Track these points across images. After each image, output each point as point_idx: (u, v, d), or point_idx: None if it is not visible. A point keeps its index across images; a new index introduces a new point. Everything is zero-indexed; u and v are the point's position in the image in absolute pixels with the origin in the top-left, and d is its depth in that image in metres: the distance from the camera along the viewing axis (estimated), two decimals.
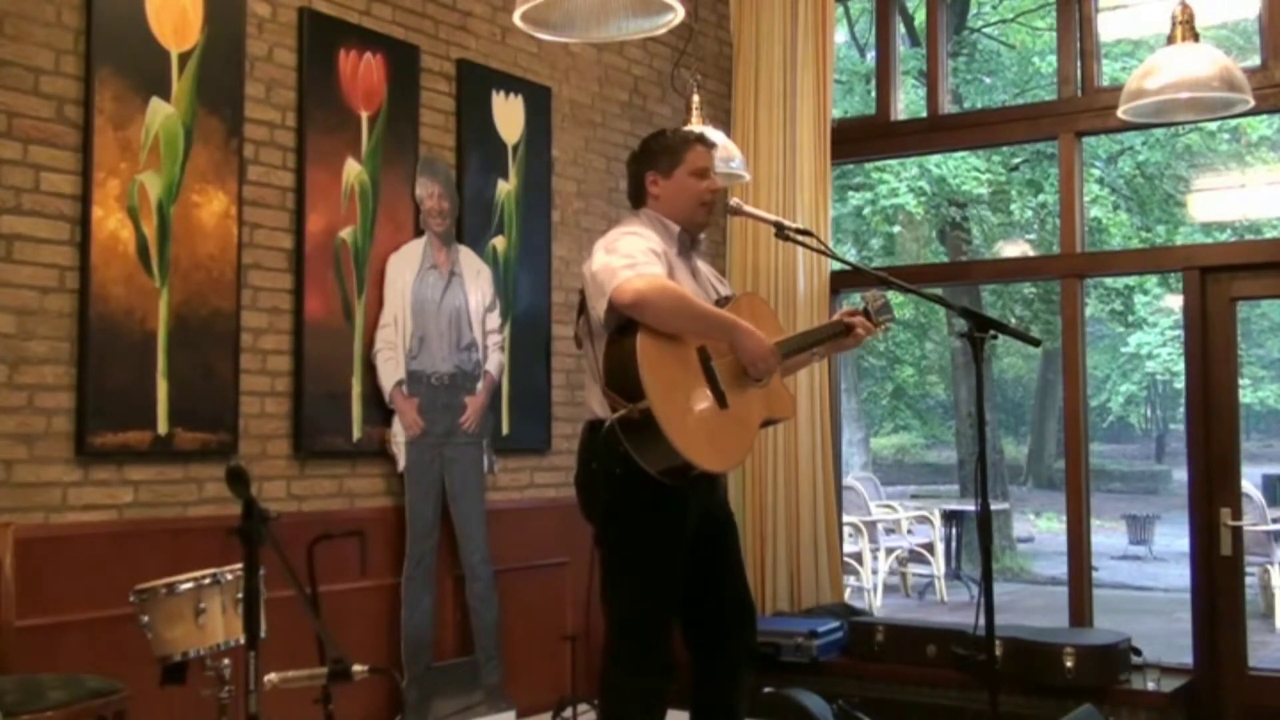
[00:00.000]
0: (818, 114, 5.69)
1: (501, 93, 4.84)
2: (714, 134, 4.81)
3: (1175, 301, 14.38)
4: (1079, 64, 5.43)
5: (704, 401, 3.05)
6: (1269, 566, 8.95)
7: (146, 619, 3.04)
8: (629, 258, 3.04)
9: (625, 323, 3.01)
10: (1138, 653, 4.90)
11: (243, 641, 2.39)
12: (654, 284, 2.98)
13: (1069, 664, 4.62)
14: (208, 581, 3.07)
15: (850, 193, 13.26)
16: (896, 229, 14.34)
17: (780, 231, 3.35)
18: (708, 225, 3.38)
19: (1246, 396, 15.75)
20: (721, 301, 3.29)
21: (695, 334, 3.07)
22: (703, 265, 3.45)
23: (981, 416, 3.28)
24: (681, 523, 3.13)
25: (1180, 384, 11.06)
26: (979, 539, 3.12)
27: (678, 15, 3.05)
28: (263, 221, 4.00)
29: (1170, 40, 3.94)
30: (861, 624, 5.31)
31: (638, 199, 3.36)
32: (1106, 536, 14.01)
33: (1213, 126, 12.65)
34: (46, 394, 3.43)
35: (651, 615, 3.13)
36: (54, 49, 3.48)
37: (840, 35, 12.95)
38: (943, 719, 4.84)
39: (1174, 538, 12.99)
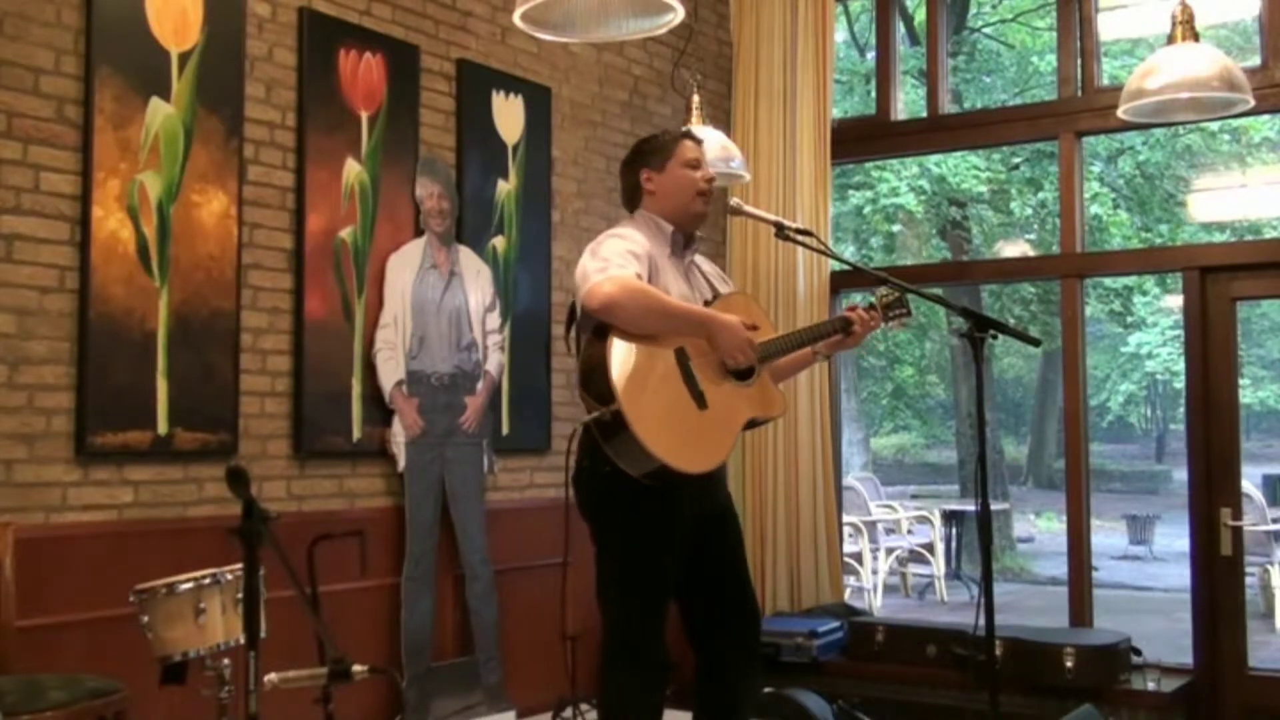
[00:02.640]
0: (818, 114, 5.69)
1: (501, 93, 4.84)
2: (714, 134, 4.83)
3: (1175, 301, 14.38)
4: (1079, 64, 5.43)
5: (680, 402, 3.04)
6: (1269, 566, 8.95)
7: (146, 619, 3.04)
8: (603, 261, 3.05)
9: (600, 325, 3.03)
10: (1138, 653, 4.90)
11: (243, 641, 2.39)
12: (622, 286, 2.98)
13: (1069, 664, 4.62)
14: (208, 581, 3.07)
15: (850, 191, 13.26)
16: (896, 228, 14.34)
17: (780, 231, 3.34)
18: (706, 216, 3.36)
19: (1246, 396, 15.75)
20: (711, 300, 3.29)
21: (670, 332, 3.07)
22: (704, 264, 3.45)
23: (981, 416, 3.28)
24: (671, 522, 3.12)
25: (1180, 384, 11.06)
26: (979, 539, 3.12)
27: (678, 15, 3.05)
28: (263, 221, 4.00)
29: (1170, 40, 3.94)
30: (861, 624, 5.31)
31: (632, 201, 3.35)
32: (1106, 536, 14.00)
33: (1213, 127, 12.65)
34: (46, 394, 3.44)
35: (643, 614, 3.13)
36: (54, 49, 3.48)
37: (840, 35, 12.94)
38: (943, 719, 4.84)
39: (1174, 538, 12.99)
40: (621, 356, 2.97)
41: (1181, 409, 8.65)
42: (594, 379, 2.99)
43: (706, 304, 3.24)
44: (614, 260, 3.05)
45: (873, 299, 3.47)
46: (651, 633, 3.12)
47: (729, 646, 3.27)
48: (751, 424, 3.26)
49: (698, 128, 4.65)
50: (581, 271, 3.08)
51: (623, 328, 2.99)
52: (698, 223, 3.34)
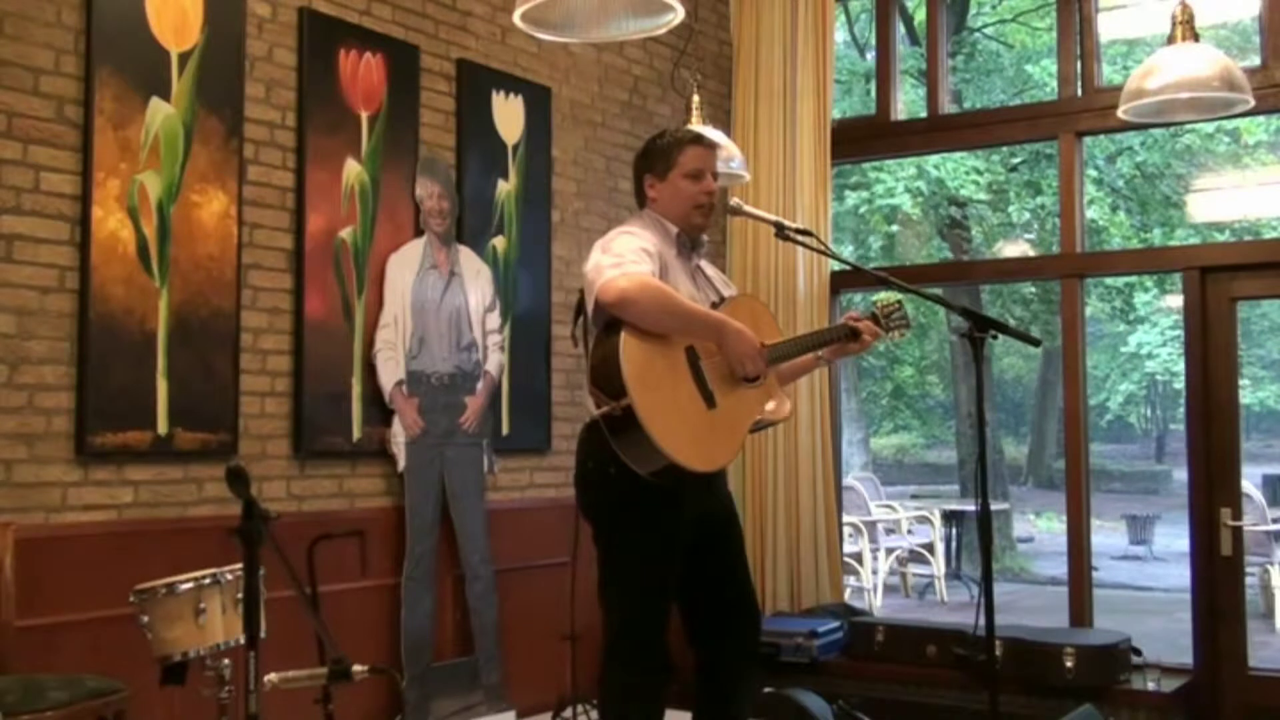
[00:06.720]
0: (818, 114, 5.69)
1: (501, 93, 4.84)
2: (714, 134, 4.83)
3: (1175, 301, 14.38)
4: (1079, 64, 5.43)
5: (690, 401, 3.04)
6: (1269, 566, 8.96)
7: (146, 619, 3.04)
8: (618, 257, 3.04)
9: (611, 321, 3.01)
10: (1138, 653, 4.90)
11: (243, 641, 2.39)
12: (637, 282, 2.97)
13: (1069, 664, 4.62)
14: (208, 581, 3.08)
15: (847, 192, 13.26)
16: (895, 228, 14.33)
17: (780, 231, 3.34)
18: (705, 228, 3.36)
19: (1246, 396, 15.76)
20: (719, 303, 3.28)
21: (680, 333, 3.06)
22: (707, 267, 3.44)
23: (981, 416, 3.28)
24: (676, 523, 3.13)
25: (1180, 384, 11.06)
26: (979, 539, 3.12)
27: (678, 15, 3.05)
28: (263, 221, 4.00)
29: (1170, 40, 3.94)
30: (861, 624, 5.31)
31: (640, 199, 3.36)
32: (1106, 536, 14.00)
33: (1209, 128, 12.65)
34: (46, 394, 3.43)
35: (646, 615, 3.13)
36: (54, 49, 3.48)
37: (840, 35, 12.94)
38: (943, 719, 4.84)
39: (1174, 538, 12.99)
40: (633, 352, 2.95)
41: (1181, 409, 8.65)
42: (605, 374, 2.97)
43: (714, 306, 3.24)
44: (628, 256, 3.04)
45: (874, 309, 3.47)
46: (653, 634, 3.12)
47: (727, 646, 3.27)
48: (757, 426, 3.26)
49: (699, 127, 4.65)
50: (595, 266, 3.06)
51: (635, 324, 2.98)
52: (697, 232, 3.34)
